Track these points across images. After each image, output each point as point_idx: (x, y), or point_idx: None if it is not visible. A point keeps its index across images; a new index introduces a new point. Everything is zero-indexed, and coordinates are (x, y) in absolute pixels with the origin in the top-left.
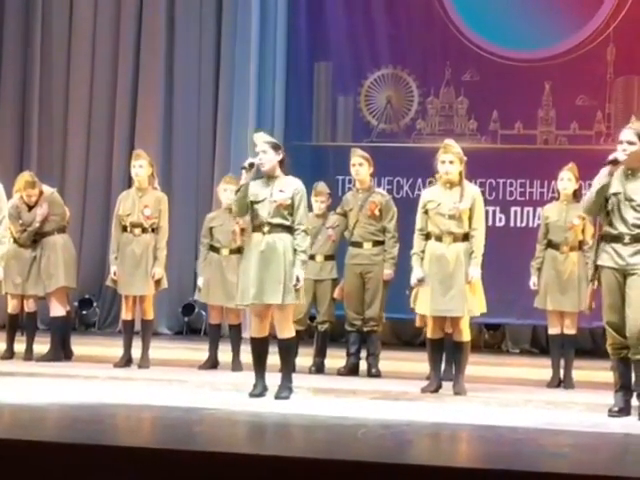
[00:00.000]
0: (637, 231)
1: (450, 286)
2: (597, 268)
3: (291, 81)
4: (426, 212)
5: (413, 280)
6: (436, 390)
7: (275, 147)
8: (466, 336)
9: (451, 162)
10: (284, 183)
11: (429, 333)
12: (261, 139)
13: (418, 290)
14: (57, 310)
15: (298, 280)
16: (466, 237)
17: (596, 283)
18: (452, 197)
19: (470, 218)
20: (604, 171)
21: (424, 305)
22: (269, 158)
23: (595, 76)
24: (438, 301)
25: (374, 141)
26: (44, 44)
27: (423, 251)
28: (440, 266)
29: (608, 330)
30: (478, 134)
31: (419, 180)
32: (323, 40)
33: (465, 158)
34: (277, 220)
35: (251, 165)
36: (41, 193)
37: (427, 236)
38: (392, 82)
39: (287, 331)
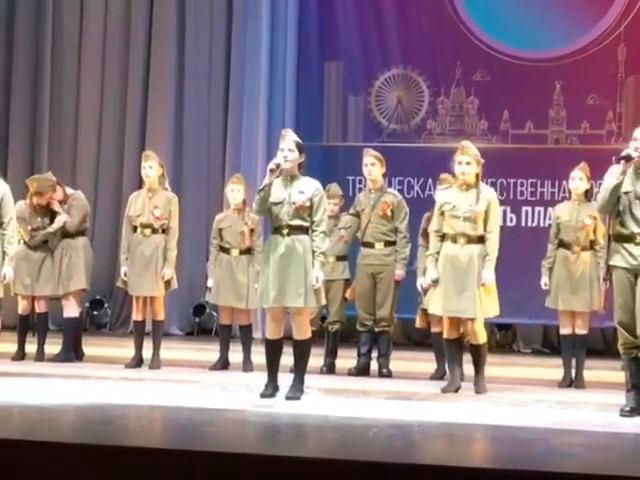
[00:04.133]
0: None
1: (463, 287)
2: (609, 268)
3: (301, 81)
4: (442, 214)
5: (427, 280)
6: (456, 390)
7: (300, 148)
8: (482, 338)
9: (468, 163)
10: (303, 184)
11: (445, 333)
12: (290, 136)
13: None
14: (72, 311)
15: (317, 280)
16: (480, 239)
17: (608, 283)
18: (468, 199)
19: (485, 221)
20: (614, 168)
21: (437, 305)
22: (294, 157)
23: (606, 75)
24: (451, 302)
25: (385, 141)
26: (55, 47)
27: (439, 252)
28: (453, 267)
29: (619, 330)
30: (489, 134)
31: (430, 180)
32: (334, 40)
33: (482, 160)
34: (297, 222)
35: (278, 166)
36: (65, 195)
37: (443, 237)
38: (402, 82)
39: (304, 333)
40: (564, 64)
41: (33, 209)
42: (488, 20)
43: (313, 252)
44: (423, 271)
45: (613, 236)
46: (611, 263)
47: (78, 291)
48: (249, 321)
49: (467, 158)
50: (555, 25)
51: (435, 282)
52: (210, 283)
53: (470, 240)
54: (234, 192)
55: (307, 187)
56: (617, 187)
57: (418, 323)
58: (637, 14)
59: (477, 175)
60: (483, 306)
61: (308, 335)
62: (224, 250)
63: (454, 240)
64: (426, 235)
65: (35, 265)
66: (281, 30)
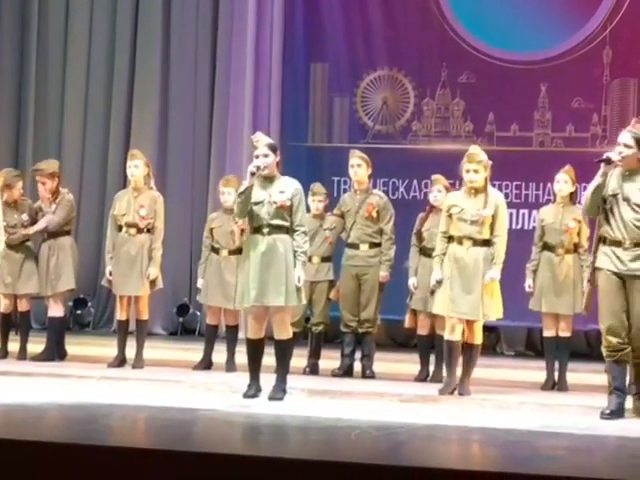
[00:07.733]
0: (636, 233)
1: (467, 289)
2: (595, 270)
3: (287, 82)
4: (450, 216)
5: (432, 281)
6: (452, 392)
7: (274, 148)
8: (478, 339)
9: (475, 171)
10: (283, 184)
11: (446, 334)
12: (262, 140)
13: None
14: (56, 310)
15: (299, 280)
16: (486, 243)
17: (590, 285)
18: (476, 203)
19: (492, 224)
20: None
21: (441, 306)
22: (270, 161)
23: (591, 78)
24: (454, 303)
25: (370, 142)
26: (40, 45)
27: (444, 253)
28: (458, 269)
29: (604, 334)
30: (474, 136)
31: (414, 181)
32: (319, 41)
33: (490, 163)
34: (277, 222)
35: (258, 168)
36: (58, 190)
37: (450, 239)
38: (388, 83)
39: (285, 332)
40: (550, 67)
41: (7, 206)
42: (474, 22)
43: (295, 252)
44: (415, 271)
45: (601, 239)
46: (597, 265)
47: (66, 291)
48: (236, 322)
49: (474, 166)
50: (541, 28)
51: (439, 283)
52: (200, 283)
53: (476, 243)
54: (225, 195)
55: (287, 187)
56: (598, 188)
57: (407, 323)
58: (623, 17)
59: (486, 179)
60: (485, 308)
61: (289, 334)
62: (214, 250)
63: (460, 242)
64: (419, 235)
65: (16, 264)
66: (267, 31)
